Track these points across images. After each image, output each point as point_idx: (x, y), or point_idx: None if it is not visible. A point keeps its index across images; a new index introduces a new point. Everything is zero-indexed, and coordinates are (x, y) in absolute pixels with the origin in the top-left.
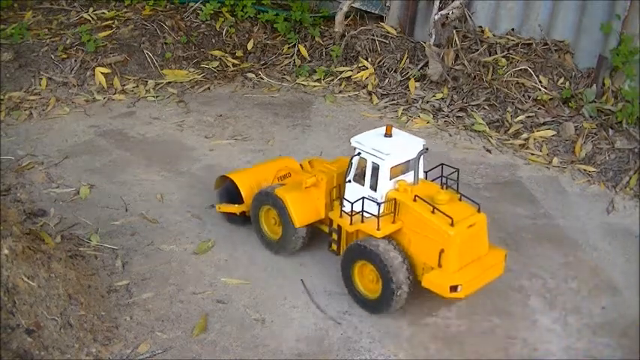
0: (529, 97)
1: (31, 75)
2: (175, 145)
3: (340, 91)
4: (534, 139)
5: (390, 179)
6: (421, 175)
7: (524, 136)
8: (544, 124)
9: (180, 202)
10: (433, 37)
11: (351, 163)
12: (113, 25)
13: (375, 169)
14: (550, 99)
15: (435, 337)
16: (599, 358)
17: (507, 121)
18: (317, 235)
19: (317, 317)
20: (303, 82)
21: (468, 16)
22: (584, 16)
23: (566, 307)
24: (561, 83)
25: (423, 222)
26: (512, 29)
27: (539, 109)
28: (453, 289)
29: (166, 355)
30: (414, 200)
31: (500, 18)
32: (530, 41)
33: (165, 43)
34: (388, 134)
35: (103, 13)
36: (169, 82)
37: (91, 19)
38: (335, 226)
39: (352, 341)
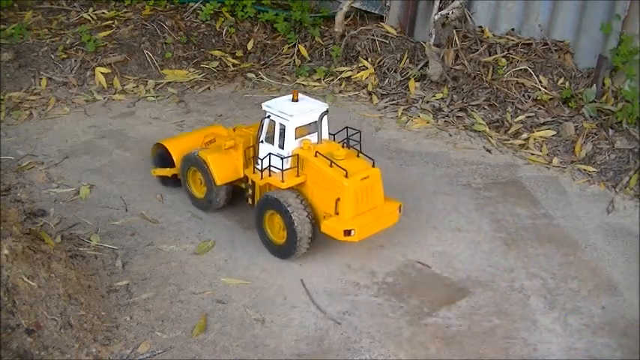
0: (529, 97)
1: (31, 75)
2: None
3: (340, 91)
4: (534, 139)
5: (296, 139)
6: (325, 136)
7: (524, 136)
8: (544, 124)
9: (180, 202)
10: (433, 37)
11: (261, 126)
12: (113, 25)
13: (282, 129)
14: (550, 99)
15: (435, 337)
16: (599, 358)
17: (507, 121)
18: (316, 235)
19: (317, 317)
20: (303, 82)
21: (468, 16)
22: (584, 16)
23: (566, 307)
24: (561, 83)
25: (322, 175)
26: (512, 29)
27: (539, 109)
28: (347, 233)
29: (166, 355)
30: (315, 156)
31: (500, 18)
32: (530, 41)
33: (165, 43)
34: (295, 99)
35: (103, 13)
36: (169, 82)
37: (91, 19)
38: (250, 182)
39: (352, 341)
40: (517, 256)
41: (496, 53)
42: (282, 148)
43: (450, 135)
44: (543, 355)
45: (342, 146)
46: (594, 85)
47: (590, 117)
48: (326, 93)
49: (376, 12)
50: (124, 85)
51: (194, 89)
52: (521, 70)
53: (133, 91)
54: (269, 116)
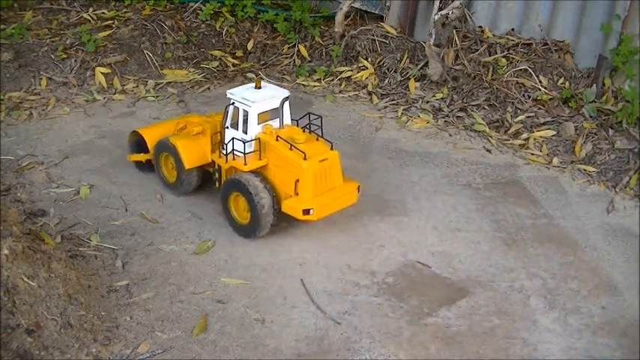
0: (529, 97)
1: (31, 75)
2: None
3: (340, 91)
4: (534, 139)
5: (259, 124)
6: (288, 121)
7: (524, 136)
8: (544, 124)
9: (180, 202)
10: (433, 37)
11: (226, 112)
12: (113, 25)
13: (246, 115)
14: (550, 99)
15: (435, 337)
16: (599, 358)
17: (507, 121)
18: (317, 236)
19: (317, 317)
20: (303, 82)
21: (468, 16)
22: (584, 16)
23: (566, 307)
24: (561, 83)
25: (282, 157)
26: (512, 29)
27: (539, 109)
28: (306, 212)
29: (166, 355)
30: (276, 140)
31: (500, 18)
32: (530, 41)
33: (165, 43)
34: (258, 87)
35: (103, 13)
36: (169, 82)
37: (91, 19)
38: (216, 166)
39: (352, 341)
40: (517, 256)
41: (496, 53)
42: (246, 133)
43: (450, 135)
44: (543, 355)
45: (304, 131)
46: (594, 85)
47: (590, 117)
48: (326, 93)
49: (376, 12)
50: (124, 85)
51: (194, 89)
52: (521, 70)
53: (133, 91)
54: (233, 103)
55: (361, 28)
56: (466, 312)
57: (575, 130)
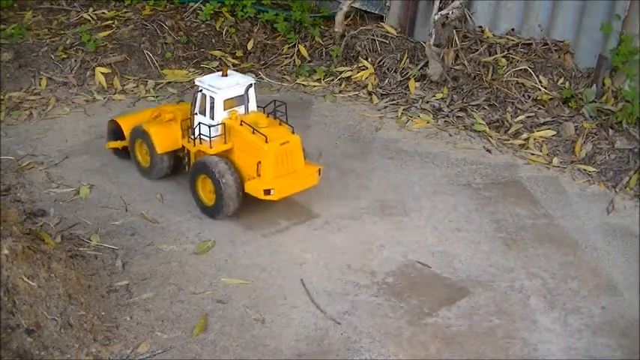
0: (529, 97)
1: (31, 75)
2: None
3: (340, 91)
4: (534, 139)
5: (225, 110)
6: (254, 107)
7: (524, 136)
8: (544, 124)
9: (180, 202)
10: (433, 37)
11: (195, 99)
12: (113, 25)
13: (212, 101)
14: (550, 99)
15: (435, 337)
16: (599, 358)
17: (507, 121)
18: (317, 236)
19: (317, 317)
20: (303, 82)
21: (468, 16)
22: (584, 16)
23: (566, 307)
24: (561, 83)
25: (245, 141)
26: (512, 29)
27: (539, 109)
28: (267, 192)
29: (166, 355)
30: (240, 125)
31: (500, 18)
32: (530, 41)
33: (166, 43)
34: (224, 74)
35: (103, 13)
36: (169, 82)
37: (91, 19)
38: (185, 150)
39: (352, 341)
40: (517, 256)
41: (496, 53)
42: (212, 119)
43: (450, 135)
44: (543, 355)
45: (267, 117)
46: (594, 85)
47: (590, 117)
48: (326, 93)
49: (376, 12)
50: (124, 85)
51: (194, 89)
52: (521, 70)
53: (133, 91)
54: (201, 90)
55: (361, 28)
56: (466, 312)
57: (575, 130)
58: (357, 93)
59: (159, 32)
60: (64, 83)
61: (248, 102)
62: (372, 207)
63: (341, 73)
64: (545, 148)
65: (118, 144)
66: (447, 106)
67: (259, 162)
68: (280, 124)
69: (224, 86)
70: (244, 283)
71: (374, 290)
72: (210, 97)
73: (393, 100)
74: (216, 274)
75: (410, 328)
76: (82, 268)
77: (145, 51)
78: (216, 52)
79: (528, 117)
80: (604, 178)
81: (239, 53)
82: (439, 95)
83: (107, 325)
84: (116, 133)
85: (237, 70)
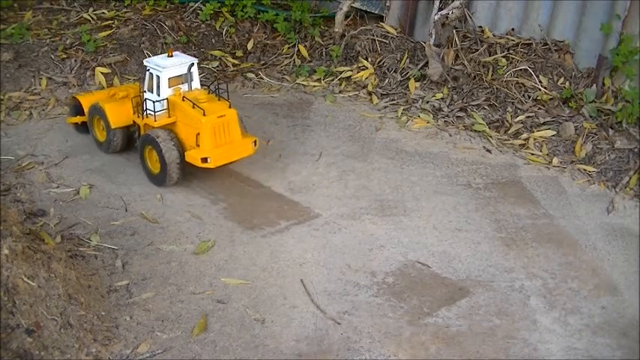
0: (529, 97)
1: (31, 75)
2: None
3: (340, 91)
4: (534, 139)
5: (170, 87)
6: (197, 85)
7: (524, 136)
8: (544, 124)
9: (180, 202)
10: (433, 37)
11: (144, 78)
12: (113, 25)
13: (158, 79)
14: (550, 99)
15: (435, 337)
16: (599, 358)
17: (507, 121)
18: (317, 236)
19: (317, 317)
20: (303, 82)
21: (468, 16)
22: (584, 16)
23: (566, 307)
24: (561, 83)
25: (186, 114)
26: (512, 29)
27: (539, 109)
28: (204, 160)
29: (166, 355)
30: (182, 100)
31: (500, 18)
32: (530, 41)
33: (165, 43)
34: (170, 55)
35: (103, 13)
36: None
37: (91, 19)
38: (135, 125)
39: (352, 341)
40: (517, 256)
41: (496, 53)
42: (159, 95)
43: (450, 135)
44: (543, 355)
45: (209, 93)
46: (594, 85)
47: (590, 117)
48: (326, 93)
49: (376, 12)
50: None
51: (143, 69)
52: (521, 70)
53: None
54: (148, 70)
55: (361, 28)
56: (466, 312)
57: (575, 130)
58: (357, 93)
59: (159, 32)
60: (64, 83)
61: (191, 80)
62: (372, 207)
63: (341, 73)
64: (545, 148)
65: (78, 119)
66: (447, 106)
67: (198, 133)
68: (219, 100)
69: (169, 65)
70: (244, 283)
71: (374, 290)
72: (157, 75)
73: (393, 100)
74: (216, 274)
75: (410, 328)
76: (82, 268)
77: (145, 51)
78: (216, 52)
79: (528, 117)
80: (604, 178)
81: (239, 53)
82: (439, 95)
83: (107, 325)
84: (77, 108)
85: (237, 70)
